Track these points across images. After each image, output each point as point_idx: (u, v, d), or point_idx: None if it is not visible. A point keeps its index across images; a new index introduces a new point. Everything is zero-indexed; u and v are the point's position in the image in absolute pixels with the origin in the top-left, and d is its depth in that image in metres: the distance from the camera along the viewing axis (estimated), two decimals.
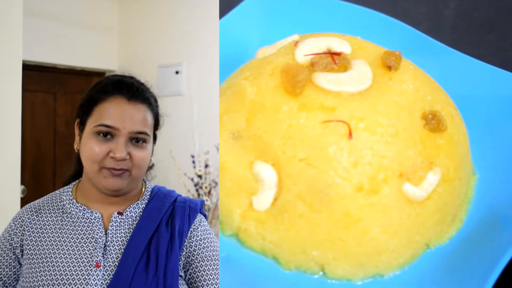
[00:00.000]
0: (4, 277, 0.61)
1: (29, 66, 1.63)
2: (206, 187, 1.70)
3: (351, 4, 0.88)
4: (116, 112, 0.60)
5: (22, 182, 1.37)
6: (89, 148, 0.59)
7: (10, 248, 0.61)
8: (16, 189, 1.30)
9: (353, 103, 0.61)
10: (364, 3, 0.89)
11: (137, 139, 0.60)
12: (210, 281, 0.60)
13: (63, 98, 1.89)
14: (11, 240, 0.61)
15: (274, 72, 0.64)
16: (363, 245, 0.61)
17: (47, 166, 1.83)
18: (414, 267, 0.64)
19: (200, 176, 1.71)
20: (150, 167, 0.69)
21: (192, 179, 1.73)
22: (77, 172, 0.66)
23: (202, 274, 0.60)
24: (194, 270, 0.60)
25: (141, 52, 2.05)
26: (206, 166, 1.72)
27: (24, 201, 1.34)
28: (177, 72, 1.96)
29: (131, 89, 0.62)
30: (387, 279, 0.63)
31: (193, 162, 1.74)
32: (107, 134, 0.59)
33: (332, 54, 0.63)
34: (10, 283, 0.61)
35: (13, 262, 0.61)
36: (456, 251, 0.64)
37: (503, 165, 0.71)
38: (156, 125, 0.65)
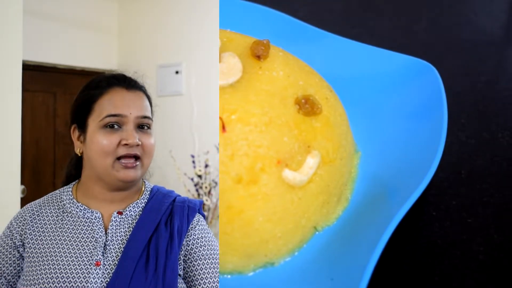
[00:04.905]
0: (8, 275, 0.61)
1: (29, 66, 1.64)
2: (206, 187, 1.70)
3: None
4: (119, 101, 0.61)
5: (22, 182, 1.37)
6: (98, 142, 0.60)
7: (13, 247, 0.62)
8: (16, 189, 1.30)
9: (224, 96, 0.61)
10: None
11: (142, 125, 0.62)
12: (208, 280, 0.60)
13: (63, 98, 1.90)
14: (13, 238, 0.62)
15: None
16: (249, 236, 0.61)
17: (47, 166, 1.83)
18: (305, 251, 0.64)
19: (200, 176, 1.72)
20: None
21: (192, 179, 1.73)
22: (72, 176, 0.67)
23: (199, 272, 0.61)
24: (191, 269, 0.61)
25: (140, 52, 2.05)
26: (206, 166, 1.73)
27: (24, 201, 1.35)
28: (176, 72, 1.97)
29: (127, 80, 0.64)
30: (278, 267, 0.63)
31: (193, 162, 1.74)
32: (113, 125, 0.60)
33: None
34: (14, 281, 0.61)
35: (17, 260, 0.62)
36: (344, 230, 0.64)
37: (384, 139, 0.72)
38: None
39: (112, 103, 0.61)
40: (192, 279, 0.61)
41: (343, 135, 0.68)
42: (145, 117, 0.62)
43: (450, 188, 0.73)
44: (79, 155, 0.63)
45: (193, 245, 0.62)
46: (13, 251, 0.62)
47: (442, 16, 1.17)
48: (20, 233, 0.62)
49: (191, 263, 0.61)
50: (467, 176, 0.75)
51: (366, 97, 0.78)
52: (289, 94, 0.64)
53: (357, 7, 1.18)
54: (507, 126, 0.84)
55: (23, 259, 0.62)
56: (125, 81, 0.63)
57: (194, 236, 0.63)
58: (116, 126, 0.60)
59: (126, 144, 0.59)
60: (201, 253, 0.62)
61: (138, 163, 0.61)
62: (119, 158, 0.60)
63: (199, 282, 0.60)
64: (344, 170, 0.68)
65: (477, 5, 1.22)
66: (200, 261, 0.61)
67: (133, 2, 2.07)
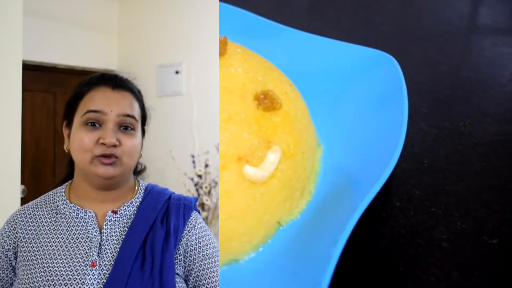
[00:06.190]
0: (1, 281, 0.61)
1: (29, 66, 1.64)
2: (206, 187, 1.70)
3: None
4: (101, 98, 0.61)
5: (22, 182, 1.37)
6: (78, 139, 0.60)
7: (3, 251, 0.61)
8: (16, 189, 1.30)
9: None
10: None
11: (125, 126, 0.61)
12: (212, 279, 0.61)
13: (63, 98, 1.89)
14: (3, 242, 0.62)
15: None
16: None
17: (47, 166, 1.83)
18: (269, 246, 0.64)
19: (200, 176, 1.71)
20: (143, 170, 0.69)
21: (192, 179, 1.73)
22: (68, 176, 0.67)
23: (206, 272, 0.61)
24: (199, 269, 0.61)
25: (140, 52, 2.05)
26: (206, 166, 1.73)
27: (24, 201, 1.34)
28: (176, 72, 1.97)
29: (115, 79, 0.63)
30: (243, 264, 0.63)
31: (193, 162, 1.74)
32: (95, 123, 0.60)
33: None
34: (2, 285, 0.61)
35: (6, 265, 0.61)
36: (308, 224, 0.64)
37: (346, 132, 0.73)
38: (144, 119, 0.66)
39: (94, 100, 0.61)
40: (196, 279, 0.62)
41: (304, 129, 0.69)
42: (128, 116, 0.61)
43: (412, 178, 0.74)
44: (67, 151, 0.64)
45: (196, 245, 0.62)
46: (4, 256, 0.61)
47: (403, 7, 1.18)
48: (12, 238, 0.62)
49: (194, 263, 0.62)
50: (429, 165, 0.76)
51: (327, 90, 0.78)
52: (248, 90, 0.64)
53: (317, 1, 1.19)
54: (468, 115, 0.85)
55: (13, 265, 0.62)
56: (111, 80, 0.63)
57: (196, 236, 0.63)
58: (97, 125, 0.60)
59: (103, 144, 0.59)
60: (204, 252, 0.62)
61: (116, 160, 0.60)
62: (97, 156, 0.60)
63: (206, 282, 0.61)
64: (306, 164, 0.68)
65: None
66: (206, 260, 0.62)
67: (133, 2, 2.07)
